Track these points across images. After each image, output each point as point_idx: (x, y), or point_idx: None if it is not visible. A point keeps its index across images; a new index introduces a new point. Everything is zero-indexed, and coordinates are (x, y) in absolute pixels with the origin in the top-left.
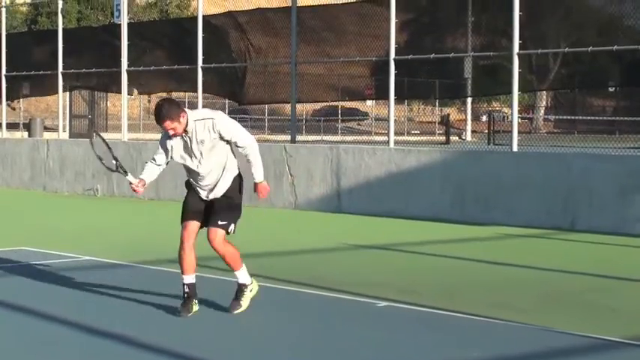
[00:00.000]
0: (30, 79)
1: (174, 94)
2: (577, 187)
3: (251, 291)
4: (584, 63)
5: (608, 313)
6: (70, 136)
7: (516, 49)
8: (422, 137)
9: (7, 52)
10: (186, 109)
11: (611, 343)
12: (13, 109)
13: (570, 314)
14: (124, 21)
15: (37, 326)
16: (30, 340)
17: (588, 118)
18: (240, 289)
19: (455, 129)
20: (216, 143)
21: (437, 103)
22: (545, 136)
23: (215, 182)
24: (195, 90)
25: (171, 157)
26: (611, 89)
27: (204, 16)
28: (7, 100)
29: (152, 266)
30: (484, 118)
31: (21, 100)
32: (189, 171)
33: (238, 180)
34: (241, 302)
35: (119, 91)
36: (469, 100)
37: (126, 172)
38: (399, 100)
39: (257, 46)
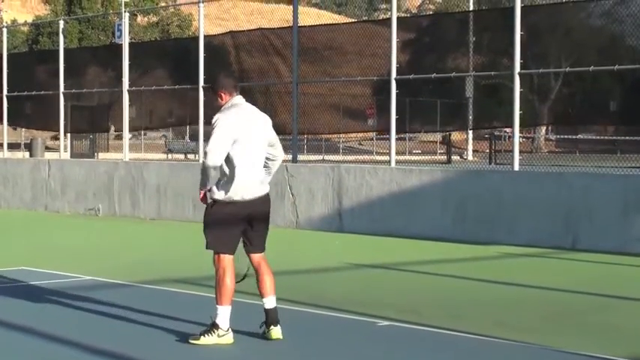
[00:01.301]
0: (31, 99)
1: (175, 113)
2: (578, 206)
3: (219, 337)
4: (586, 82)
5: (610, 332)
6: (72, 156)
7: (517, 68)
8: (423, 157)
9: (8, 73)
10: (234, 96)
11: None
12: (15, 129)
13: (573, 334)
14: (126, 41)
15: (38, 346)
16: (29, 359)
17: (589, 137)
18: (213, 327)
19: (456, 148)
20: None
21: (438, 123)
22: (547, 155)
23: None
24: (197, 109)
25: None
26: (612, 109)
27: (205, 36)
28: (10, 126)
29: (154, 286)
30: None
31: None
32: None
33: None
34: (202, 337)
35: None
36: (470, 119)
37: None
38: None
39: (258, 66)
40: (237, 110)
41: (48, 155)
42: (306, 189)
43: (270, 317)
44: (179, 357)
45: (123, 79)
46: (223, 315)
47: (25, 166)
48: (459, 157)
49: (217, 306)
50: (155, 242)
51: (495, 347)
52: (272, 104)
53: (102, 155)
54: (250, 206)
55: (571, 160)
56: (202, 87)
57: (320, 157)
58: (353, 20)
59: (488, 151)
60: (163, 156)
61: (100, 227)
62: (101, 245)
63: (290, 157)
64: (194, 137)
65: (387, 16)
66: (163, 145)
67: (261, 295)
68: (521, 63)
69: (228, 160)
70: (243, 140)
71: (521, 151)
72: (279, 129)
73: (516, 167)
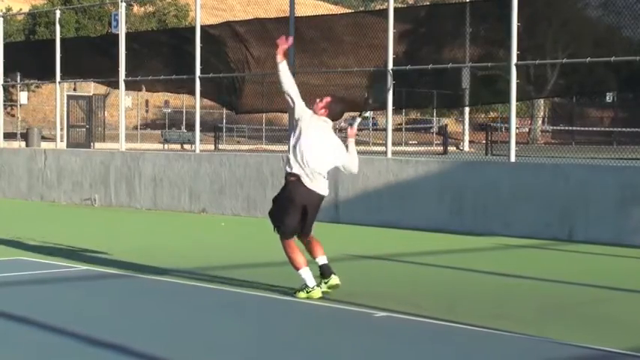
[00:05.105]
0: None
1: (172, 102)
2: (575, 198)
3: (307, 293)
4: (582, 74)
5: (606, 324)
6: (68, 146)
7: (514, 59)
8: (420, 147)
9: (4, 62)
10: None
11: (610, 354)
12: (13, 115)
13: (569, 325)
14: (122, 31)
15: (34, 336)
16: (25, 350)
17: (586, 129)
18: (305, 286)
19: (452, 139)
20: None
21: (434, 114)
22: (543, 146)
23: None
24: (193, 98)
25: None
26: (608, 100)
27: (202, 26)
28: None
29: (150, 276)
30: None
31: (18, 109)
32: None
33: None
34: (299, 292)
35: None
36: (467, 110)
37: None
38: (397, 109)
39: (255, 57)
40: None
41: (44, 145)
42: None
43: (326, 270)
44: (176, 346)
45: (119, 69)
46: (305, 276)
47: (21, 156)
48: (455, 148)
49: (297, 272)
50: (151, 232)
51: (492, 338)
52: (268, 94)
53: (98, 145)
54: None
55: (567, 152)
56: (199, 77)
57: None
58: (350, 11)
59: (484, 142)
60: (160, 146)
61: (95, 217)
62: (97, 235)
63: (286, 147)
64: (190, 127)
65: (384, 7)
66: (159, 135)
67: (314, 257)
68: (517, 54)
69: None
70: None
71: (517, 142)
72: (274, 120)
73: (512, 158)
